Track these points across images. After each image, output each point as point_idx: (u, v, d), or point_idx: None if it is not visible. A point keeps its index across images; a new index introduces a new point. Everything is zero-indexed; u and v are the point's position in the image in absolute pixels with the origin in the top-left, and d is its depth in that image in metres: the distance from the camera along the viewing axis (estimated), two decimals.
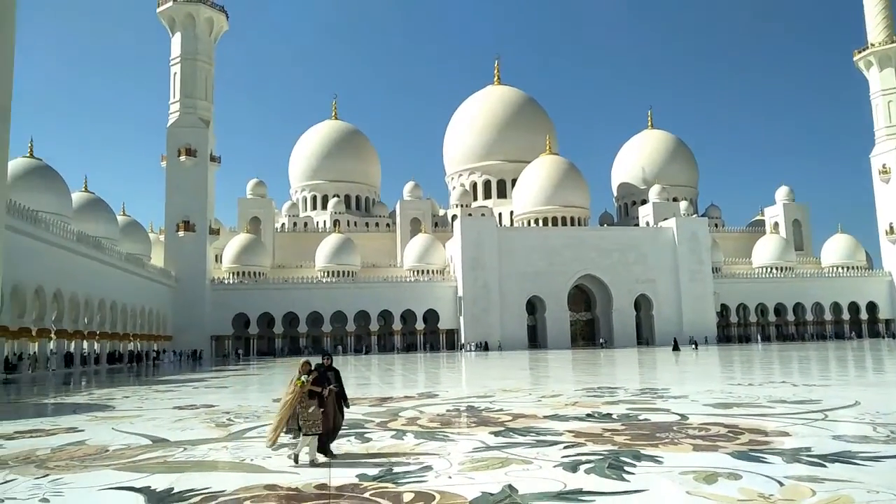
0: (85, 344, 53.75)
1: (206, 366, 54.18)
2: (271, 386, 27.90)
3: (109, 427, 13.75)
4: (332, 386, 9.16)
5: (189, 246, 77.07)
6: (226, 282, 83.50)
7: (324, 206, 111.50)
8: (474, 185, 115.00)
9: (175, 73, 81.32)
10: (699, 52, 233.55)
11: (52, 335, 47.02)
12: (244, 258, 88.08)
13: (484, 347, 76.99)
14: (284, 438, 9.55)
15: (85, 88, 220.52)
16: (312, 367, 9.15)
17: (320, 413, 8.79)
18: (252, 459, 9.38)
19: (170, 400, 20.72)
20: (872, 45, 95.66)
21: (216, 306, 78.87)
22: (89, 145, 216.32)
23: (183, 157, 78.07)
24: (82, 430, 13.24)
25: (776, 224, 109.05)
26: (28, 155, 60.81)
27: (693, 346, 65.31)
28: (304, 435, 8.68)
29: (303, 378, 8.78)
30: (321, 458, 8.87)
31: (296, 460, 8.72)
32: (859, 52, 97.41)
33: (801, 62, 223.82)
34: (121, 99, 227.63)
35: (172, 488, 7.62)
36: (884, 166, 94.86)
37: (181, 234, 77.21)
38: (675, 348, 58.81)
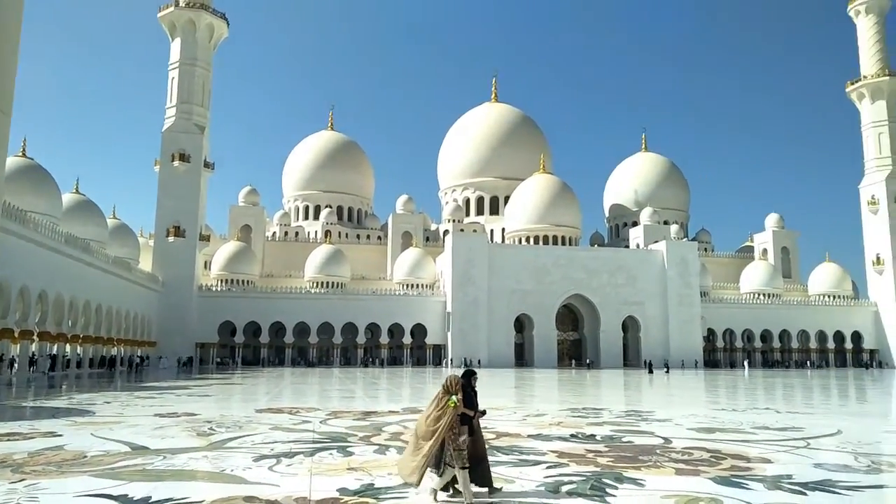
0: (68, 347, 53.14)
1: (191, 373, 53.70)
2: (255, 396, 27.69)
3: (88, 433, 13.58)
4: (481, 409, 7.78)
5: (178, 251, 76.63)
6: (213, 289, 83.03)
7: (316, 217, 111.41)
8: (467, 201, 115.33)
9: (173, 78, 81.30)
10: (694, 78, 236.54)
11: (35, 337, 46.47)
12: (233, 266, 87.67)
13: (464, 363, 76.56)
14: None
15: (80, 89, 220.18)
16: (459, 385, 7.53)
17: (470, 441, 7.35)
18: (232, 470, 9.29)
19: (151, 407, 20.50)
20: (865, 77, 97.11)
21: (202, 313, 78.31)
22: (82, 147, 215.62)
23: (176, 163, 77.85)
24: (61, 435, 13.06)
25: (765, 251, 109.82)
26: (20, 154, 60.49)
27: (665, 370, 65.74)
28: (450, 468, 7.27)
29: (454, 398, 7.26)
30: (475, 489, 7.39)
31: (435, 497, 7.43)
32: (852, 84, 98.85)
33: (795, 91, 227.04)
34: (116, 101, 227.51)
35: (150, 497, 7.53)
36: (872, 197, 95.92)
37: (171, 239, 76.78)
38: (650, 371, 61.99)
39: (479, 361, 77.88)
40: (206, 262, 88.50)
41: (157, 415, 17.66)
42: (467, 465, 7.18)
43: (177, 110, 79.99)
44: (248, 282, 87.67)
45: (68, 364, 52.22)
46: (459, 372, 7.89)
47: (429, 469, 7.31)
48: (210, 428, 14.46)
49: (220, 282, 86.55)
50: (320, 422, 16.05)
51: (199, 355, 77.41)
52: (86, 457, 10.35)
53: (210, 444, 11.88)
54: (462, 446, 7.19)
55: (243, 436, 13.11)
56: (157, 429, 14.32)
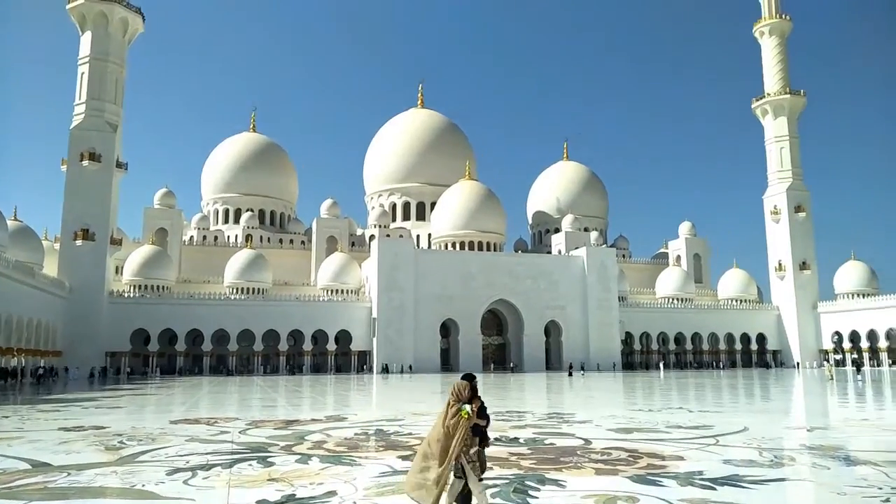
0: None
1: (105, 384, 50.99)
2: (170, 406, 26.55)
3: None
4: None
5: (87, 256, 72.61)
6: (126, 295, 79.14)
7: (236, 220, 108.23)
8: (393, 207, 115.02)
9: (83, 73, 77.19)
10: (611, 91, 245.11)
11: None
12: (147, 271, 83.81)
13: (384, 370, 76.15)
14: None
15: None
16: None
17: (483, 453, 6.77)
18: (143, 485, 8.86)
19: (55, 421, 19.31)
20: (768, 94, 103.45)
21: (113, 321, 74.44)
22: None
23: (86, 162, 73.87)
24: None
25: (678, 257, 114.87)
26: None
27: (581, 372, 67.56)
28: (458, 479, 6.64)
29: (467, 408, 6.58)
30: None
31: None
32: (757, 101, 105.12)
33: (705, 105, 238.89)
34: (19, 95, 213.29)
35: None
36: (775, 207, 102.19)
37: (79, 242, 72.69)
38: (570, 373, 63.59)
39: (410, 367, 77.73)
40: (117, 267, 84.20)
41: (62, 429, 16.65)
42: (480, 477, 6.62)
43: (86, 107, 75.98)
44: (163, 287, 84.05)
45: None
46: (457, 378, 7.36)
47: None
48: (120, 441, 13.76)
49: (132, 287, 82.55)
50: (239, 432, 15.57)
51: (109, 365, 73.54)
52: None
53: (120, 459, 11.30)
54: (474, 458, 6.61)
55: (156, 448, 12.54)
56: (61, 444, 13.50)
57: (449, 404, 6.67)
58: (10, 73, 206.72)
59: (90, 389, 41.40)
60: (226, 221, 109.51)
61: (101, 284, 73.59)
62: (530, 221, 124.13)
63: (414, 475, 6.64)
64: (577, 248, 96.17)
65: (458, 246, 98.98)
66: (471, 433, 6.57)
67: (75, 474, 9.74)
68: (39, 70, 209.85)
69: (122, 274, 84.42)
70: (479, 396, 6.83)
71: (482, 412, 6.70)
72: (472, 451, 6.60)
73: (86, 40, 77.63)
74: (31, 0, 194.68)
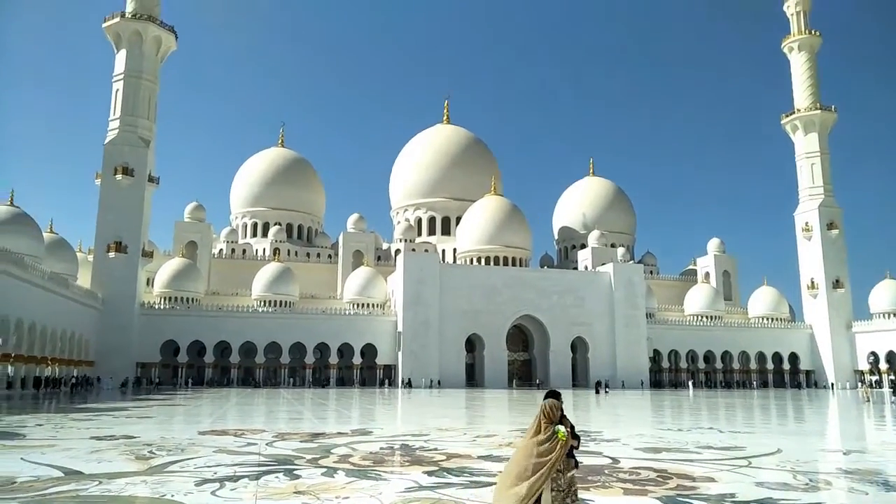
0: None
1: (139, 394, 51.74)
2: (198, 417, 26.82)
3: (18, 457, 12.89)
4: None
5: (119, 268, 74.13)
6: (156, 307, 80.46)
7: (264, 234, 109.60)
8: (419, 221, 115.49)
9: (117, 90, 79.26)
10: (639, 106, 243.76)
11: None
12: (177, 283, 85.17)
13: (407, 384, 76.18)
14: None
15: (16, 96, 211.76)
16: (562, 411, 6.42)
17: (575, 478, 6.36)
18: (172, 495, 8.94)
19: (87, 430, 19.62)
20: (798, 110, 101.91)
21: (144, 332, 75.72)
22: (17, 157, 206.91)
23: (119, 176, 75.62)
24: None
25: (707, 274, 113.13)
26: None
27: (605, 390, 66.53)
28: None
29: (562, 429, 6.12)
30: None
31: None
32: (786, 116, 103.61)
33: (734, 121, 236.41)
34: (56, 110, 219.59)
35: None
36: (806, 224, 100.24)
37: (112, 255, 74.25)
38: (597, 391, 62.35)
39: (438, 382, 77.58)
40: (148, 279, 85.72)
41: (94, 437, 16.92)
42: (576, 500, 6.23)
43: (120, 123, 77.90)
44: (192, 300, 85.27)
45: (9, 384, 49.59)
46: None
47: None
48: (150, 451, 13.93)
49: (163, 299, 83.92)
50: (266, 444, 15.66)
51: (140, 375, 74.65)
52: (14, 483, 9.82)
53: (149, 468, 11.44)
54: (567, 485, 6.16)
55: (185, 459, 12.66)
56: (92, 452, 13.71)
57: (540, 425, 6.19)
58: (47, 89, 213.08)
59: (122, 399, 42.05)
60: (254, 235, 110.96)
61: (132, 296, 74.98)
62: (556, 237, 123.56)
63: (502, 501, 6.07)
64: (603, 264, 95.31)
65: (483, 261, 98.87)
66: (565, 456, 6.15)
67: (106, 483, 9.88)
68: (75, 86, 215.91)
69: (152, 286, 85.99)
70: (566, 416, 6.42)
71: (572, 432, 6.30)
72: (567, 475, 6.17)
73: (120, 58, 79.76)
74: (67, 18, 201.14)
